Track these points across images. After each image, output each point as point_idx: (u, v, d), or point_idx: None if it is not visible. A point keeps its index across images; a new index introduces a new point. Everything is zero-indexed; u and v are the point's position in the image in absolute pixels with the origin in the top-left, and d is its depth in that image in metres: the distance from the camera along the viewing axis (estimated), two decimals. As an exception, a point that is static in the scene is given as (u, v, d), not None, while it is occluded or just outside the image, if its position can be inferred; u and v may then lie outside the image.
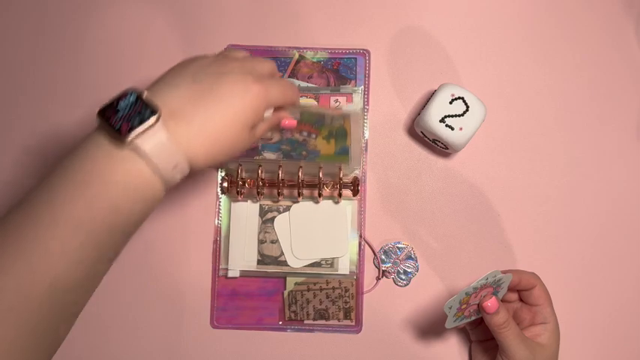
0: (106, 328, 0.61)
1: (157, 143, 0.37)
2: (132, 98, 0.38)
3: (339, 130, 0.57)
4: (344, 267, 0.60)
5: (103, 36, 0.63)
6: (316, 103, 0.60)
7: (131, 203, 0.38)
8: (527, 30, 0.63)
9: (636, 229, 0.61)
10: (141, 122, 0.37)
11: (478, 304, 0.51)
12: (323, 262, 0.60)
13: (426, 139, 0.60)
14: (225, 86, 0.41)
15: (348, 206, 0.60)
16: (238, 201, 0.60)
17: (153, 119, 0.37)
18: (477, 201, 0.61)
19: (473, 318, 0.53)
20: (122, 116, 0.37)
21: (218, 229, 0.61)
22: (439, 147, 0.60)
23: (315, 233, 0.60)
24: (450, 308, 0.50)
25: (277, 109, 0.47)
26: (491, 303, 0.50)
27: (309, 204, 0.60)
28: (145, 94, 0.39)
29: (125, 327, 0.61)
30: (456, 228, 0.61)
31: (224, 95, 0.40)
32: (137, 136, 0.37)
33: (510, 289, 0.54)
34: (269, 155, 0.59)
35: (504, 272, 0.51)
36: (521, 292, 0.55)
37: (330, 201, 0.60)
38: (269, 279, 0.61)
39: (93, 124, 0.38)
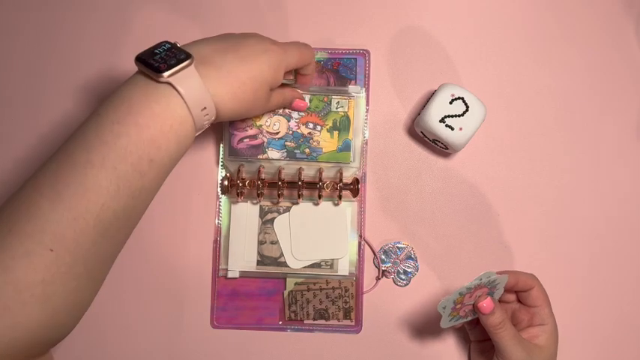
0: (107, 327, 0.61)
1: (190, 84, 0.41)
2: (167, 46, 0.43)
3: (342, 120, 0.58)
4: (343, 268, 0.60)
5: (102, 36, 0.63)
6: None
7: (167, 138, 0.41)
8: (527, 30, 0.62)
9: (636, 230, 0.61)
10: (177, 63, 0.41)
11: (473, 305, 0.51)
12: (322, 264, 0.60)
13: (426, 139, 0.60)
14: (248, 46, 0.46)
15: (348, 208, 0.60)
16: (238, 202, 0.60)
17: (188, 61, 0.42)
18: (477, 201, 0.61)
19: (469, 318, 0.53)
20: (159, 58, 0.42)
21: (218, 229, 0.61)
22: (439, 147, 0.60)
23: (315, 234, 0.60)
24: (444, 308, 0.50)
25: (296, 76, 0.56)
26: (486, 304, 0.50)
27: (309, 205, 0.60)
28: (178, 45, 0.43)
29: (125, 327, 0.61)
30: (455, 228, 0.61)
31: (247, 53, 0.46)
32: (173, 73, 0.41)
33: (508, 290, 0.54)
34: (273, 154, 0.59)
35: (501, 273, 0.51)
36: (519, 293, 0.55)
37: (330, 202, 0.60)
38: (269, 279, 0.61)
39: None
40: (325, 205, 0.60)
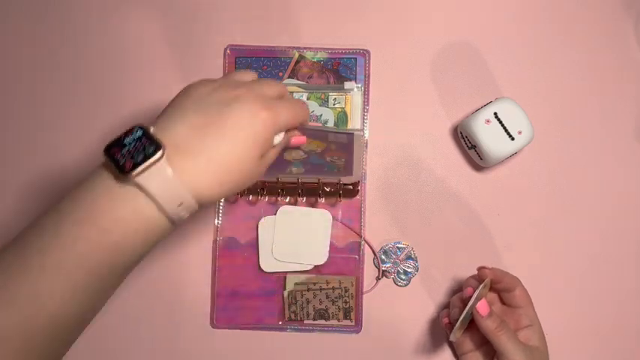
0: (106, 328, 0.61)
1: (161, 181, 0.36)
2: (138, 133, 0.37)
3: (340, 116, 0.59)
4: None
5: (102, 37, 0.63)
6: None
7: (133, 242, 0.37)
8: (526, 30, 0.63)
9: (636, 230, 0.61)
10: (145, 159, 0.36)
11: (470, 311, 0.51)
12: None
13: (464, 142, 0.60)
14: (232, 117, 0.39)
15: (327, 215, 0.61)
16: (238, 202, 0.60)
17: (157, 155, 0.36)
18: (477, 201, 0.61)
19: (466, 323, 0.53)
20: (127, 151, 0.36)
21: (218, 229, 0.61)
22: (473, 155, 0.60)
23: (299, 239, 0.60)
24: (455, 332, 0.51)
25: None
26: (482, 305, 0.50)
27: (297, 208, 0.61)
28: (152, 130, 0.38)
29: (125, 327, 0.61)
30: (455, 228, 0.61)
31: (231, 126, 0.39)
32: (140, 172, 0.36)
33: (492, 289, 0.54)
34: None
35: (480, 269, 0.52)
36: (503, 294, 0.55)
37: (317, 209, 0.60)
38: (269, 279, 0.61)
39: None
40: (313, 211, 0.60)
